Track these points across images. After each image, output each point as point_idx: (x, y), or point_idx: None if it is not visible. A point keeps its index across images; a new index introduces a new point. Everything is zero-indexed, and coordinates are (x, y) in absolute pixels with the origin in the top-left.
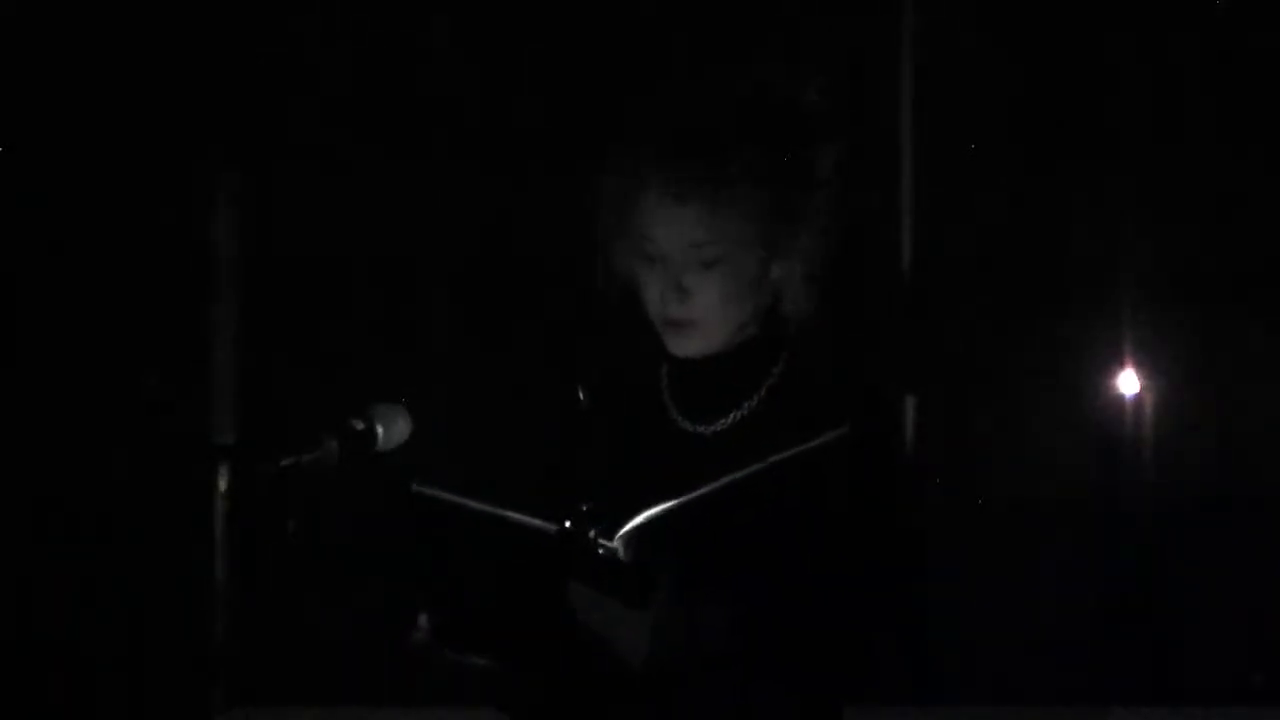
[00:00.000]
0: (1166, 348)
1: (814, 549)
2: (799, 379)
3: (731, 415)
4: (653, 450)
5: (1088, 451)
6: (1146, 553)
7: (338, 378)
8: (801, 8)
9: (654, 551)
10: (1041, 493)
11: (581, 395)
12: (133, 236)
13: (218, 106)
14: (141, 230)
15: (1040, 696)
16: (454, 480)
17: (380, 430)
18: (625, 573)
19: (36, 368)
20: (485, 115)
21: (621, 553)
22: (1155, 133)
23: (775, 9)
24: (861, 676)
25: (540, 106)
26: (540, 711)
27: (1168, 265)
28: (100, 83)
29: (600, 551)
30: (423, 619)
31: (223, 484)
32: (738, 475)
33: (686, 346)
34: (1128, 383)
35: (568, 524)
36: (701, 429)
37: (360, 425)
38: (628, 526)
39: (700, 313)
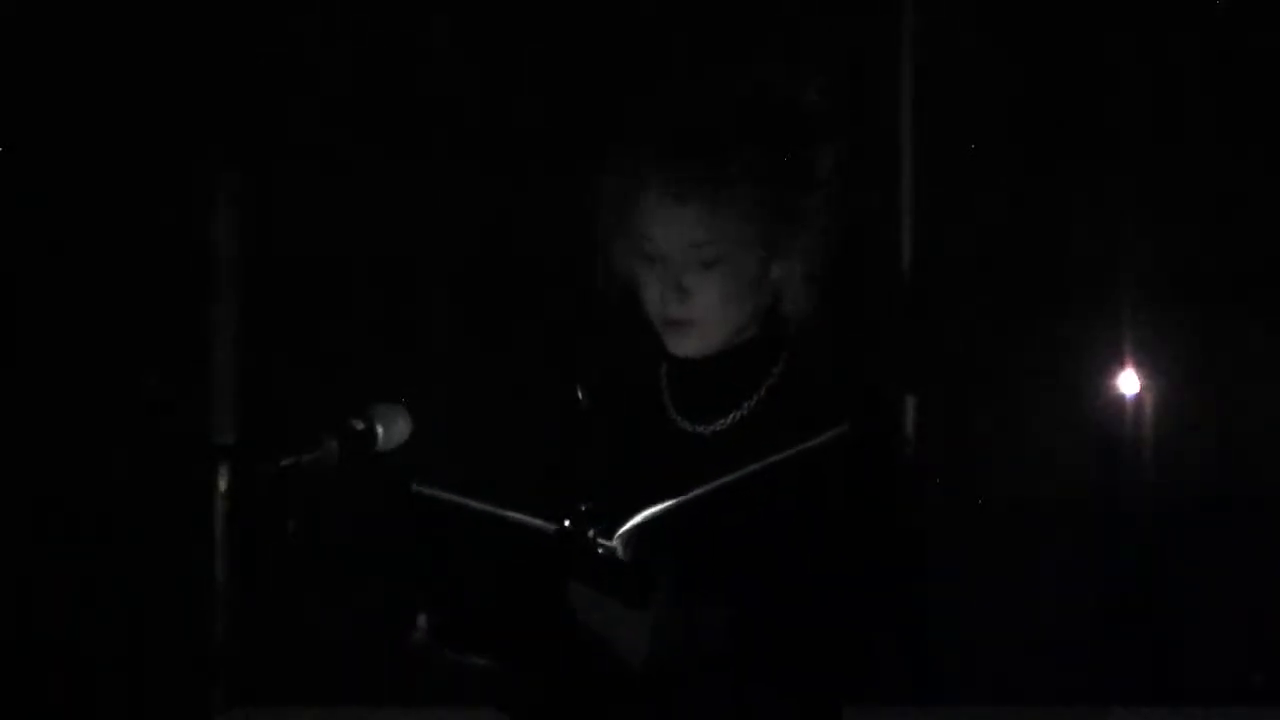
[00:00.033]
0: (1166, 348)
1: (813, 549)
2: (799, 379)
3: (731, 415)
4: (652, 450)
5: (1088, 451)
6: (1146, 553)
7: (338, 378)
8: (801, 8)
9: (653, 551)
10: (1041, 493)
11: (581, 395)
12: (133, 236)
13: (218, 106)
14: (141, 230)
15: (1040, 696)
16: (454, 480)
17: (380, 430)
18: (624, 572)
19: (37, 368)
20: (485, 115)
21: (620, 552)
22: (1155, 133)
23: (775, 9)
24: (861, 676)
25: (540, 106)
26: (540, 711)
27: (1168, 265)
28: (100, 83)
29: (599, 551)
30: (422, 619)
31: (223, 484)
32: (736, 475)
33: (686, 346)
34: (1128, 383)
35: (567, 523)
36: (701, 429)
37: (360, 425)
38: (627, 526)
39: (700, 313)
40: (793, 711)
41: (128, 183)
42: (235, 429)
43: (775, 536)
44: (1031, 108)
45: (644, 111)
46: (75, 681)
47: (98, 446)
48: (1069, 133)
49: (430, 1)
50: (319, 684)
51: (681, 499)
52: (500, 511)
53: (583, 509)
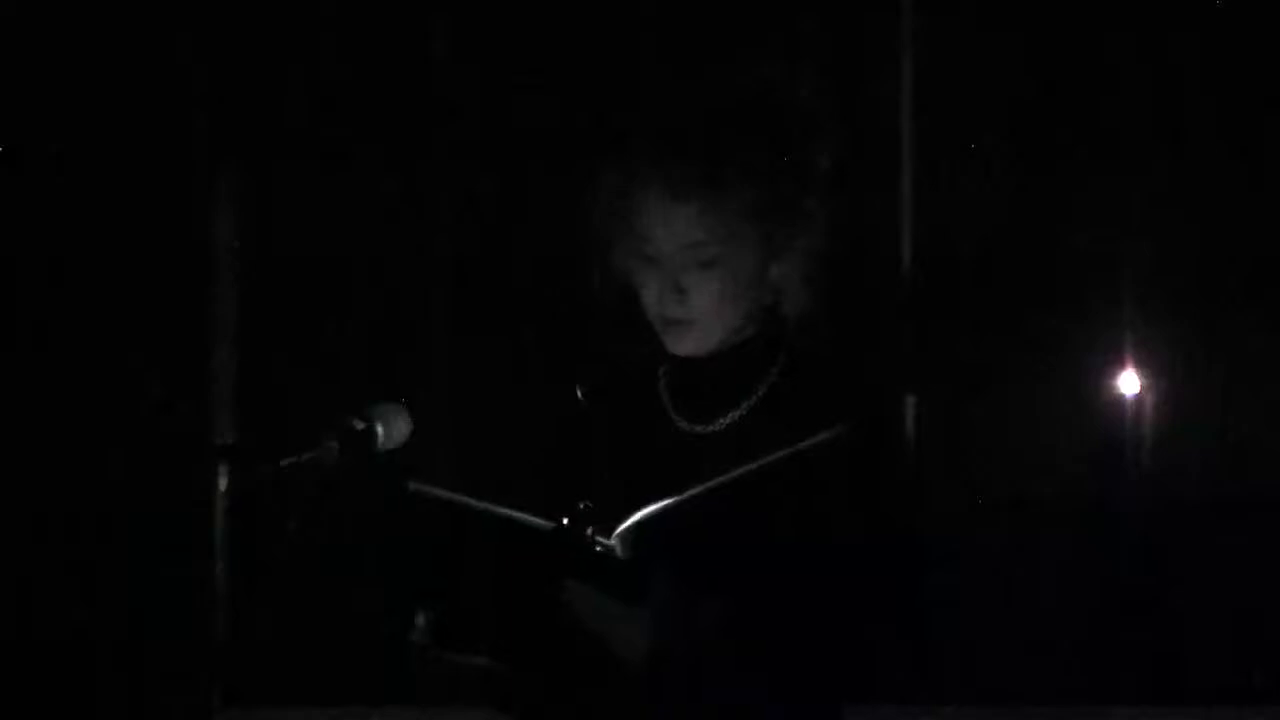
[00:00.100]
0: (1166, 348)
1: (811, 548)
2: (797, 379)
3: (730, 415)
4: (650, 449)
5: (1088, 451)
6: (1146, 553)
7: (338, 378)
8: (801, 8)
9: (651, 550)
10: (1041, 493)
11: (580, 394)
12: (133, 236)
13: (218, 106)
14: (142, 230)
15: (1040, 696)
16: (452, 479)
17: (380, 430)
18: (622, 571)
19: (37, 368)
20: (485, 115)
21: (619, 551)
22: (1155, 133)
23: (775, 9)
24: (859, 676)
25: (540, 106)
26: (539, 711)
27: (1168, 265)
28: (100, 83)
29: (597, 549)
30: (420, 618)
31: (223, 484)
32: (735, 473)
33: (685, 346)
34: (1128, 383)
35: (565, 522)
36: (699, 428)
37: (360, 425)
38: (625, 524)
39: (698, 312)
40: (791, 711)
41: (128, 183)
42: (235, 429)
43: (773, 536)
44: (1031, 108)
45: (642, 111)
46: (75, 681)
47: (98, 446)
48: (1069, 133)
49: (431, 1)
50: (319, 684)
51: (679, 497)
52: (498, 510)
53: (581, 507)
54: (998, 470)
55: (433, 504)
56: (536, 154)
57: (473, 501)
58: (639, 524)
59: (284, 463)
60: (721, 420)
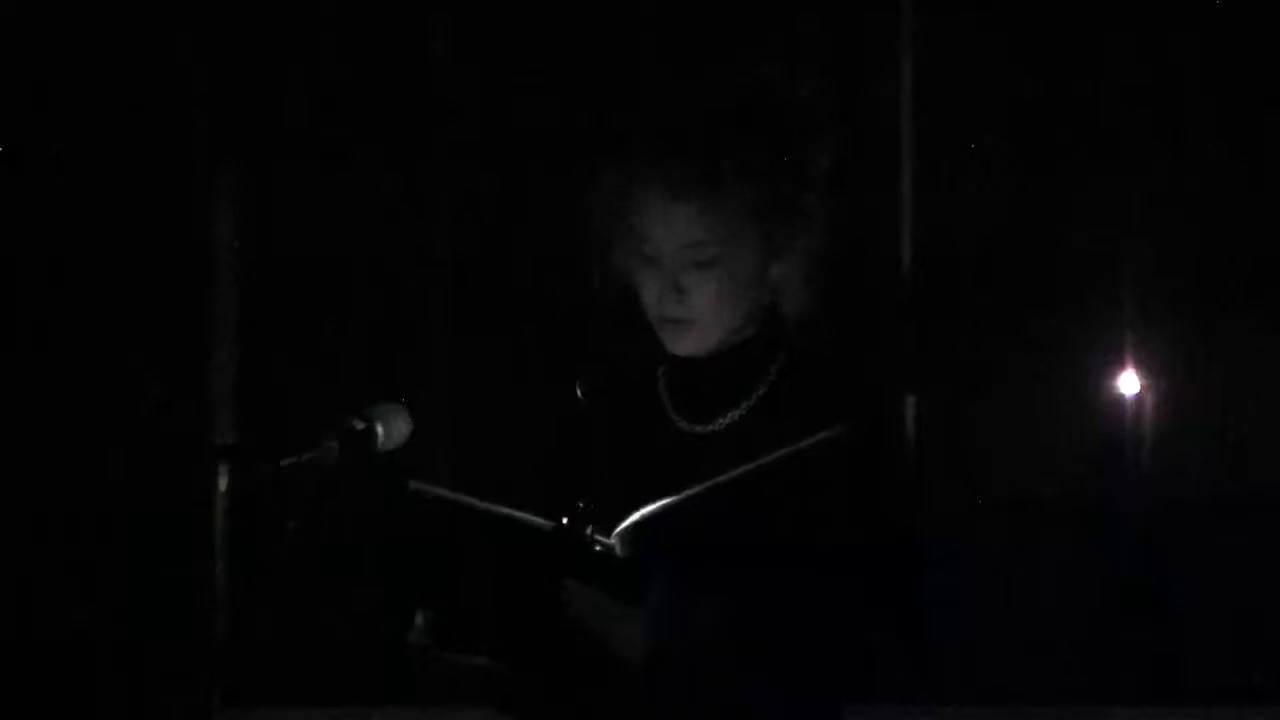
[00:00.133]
0: (1166, 348)
1: (811, 548)
2: (797, 379)
3: (729, 415)
4: (650, 449)
5: (1088, 451)
6: (1146, 553)
7: (338, 378)
8: (801, 8)
9: (650, 549)
10: (1041, 493)
11: (579, 393)
12: (133, 237)
13: (218, 106)
14: (142, 230)
15: (1040, 696)
16: (452, 479)
17: (380, 430)
18: (622, 570)
19: (37, 368)
20: (485, 115)
21: (618, 550)
22: (1155, 133)
23: (775, 9)
24: (858, 676)
25: (540, 106)
26: (539, 711)
27: (1168, 265)
28: (100, 83)
29: (597, 548)
30: (420, 617)
31: (223, 484)
32: (734, 473)
33: (684, 345)
34: (1128, 383)
35: (565, 521)
36: (699, 428)
37: (360, 425)
38: (624, 524)
39: (697, 312)
40: (790, 710)
41: (128, 183)
42: (235, 429)
43: (773, 536)
44: (1031, 108)
45: (642, 111)
46: (75, 681)
47: (98, 446)
48: (1069, 133)
49: (431, 1)
50: (319, 684)
51: (679, 497)
52: (498, 509)
53: (580, 506)
54: (998, 470)
55: (433, 504)
56: (536, 154)
57: (472, 501)
58: (638, 523)
59: (284, 463)
60: (721, 420)
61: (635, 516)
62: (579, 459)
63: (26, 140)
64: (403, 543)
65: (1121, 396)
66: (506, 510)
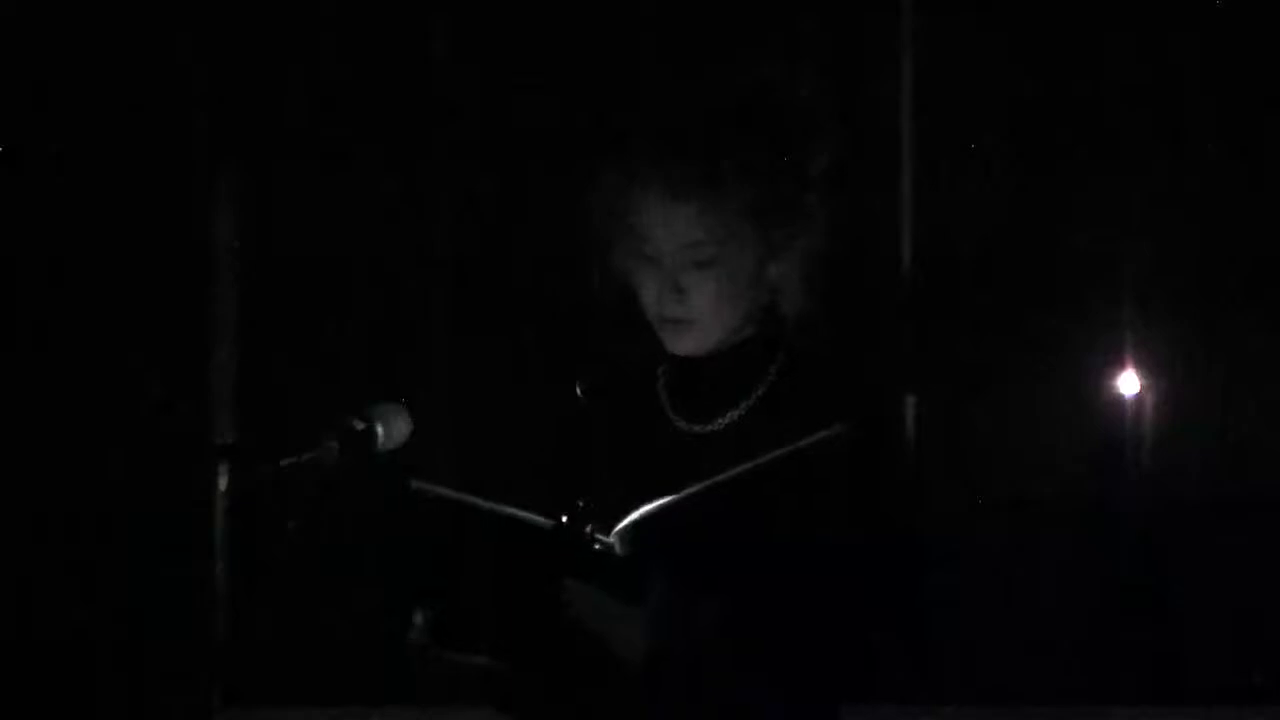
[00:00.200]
0: (1166, 348)
1: (811, 548)
2: (796, 379)
3: (728, 414)
4: (649, 448)
5: (1088, 451)
6: (1146, 553)
7: (338, 378)
8: (801, 8)
9: (651, 548)
10: (1041, 493)
11: (579, 393)
12: (133, 236)
13: (218, 106)
14: (141, 230)
15: (1040, 696)
16: (452, 479)
17: (380, 430)
18: (621, 569)
19: (37, 368)
20: (485, 115)
21: (618, 549)
22: (1155, 133)
23: (775, 9)
24: (857, 675)
25: (540, 106)
26: (539, 711)
27: (1168, 265)
28: (100, 83)
29: (596, 547)
30: (419, 616)
31: (223, 484)
32: (732, 472)
33: (684, 345)
34: (1128, 383)
35: (564, 520)
36: (698, 428)
37: (360, 425)
38: (624, 522)
39: (697, 312)
40: (789, 710)
41: (128, 183)
42: (235, 429)
43: (772, 535)
44: (1031, 108)
45: (642, 111)
46: (75, 681)
47: (98, 446)
48: (1069, 133)
49: (431, 1)
50: (319, 684)
51: (678, 496)
52: (498, 507)
53: (580, 505)
54: (998, 470)
55: (433, 503)
56: (536, 154)
57: (472, 500)
58: (638, 522)
59: (284, 463)
60: (720, 420)
61: (635, 515)
62: (579, 458)
63: (26, 140)
64: (403, 543)
65: (1121, 396)
66: (506, 509)
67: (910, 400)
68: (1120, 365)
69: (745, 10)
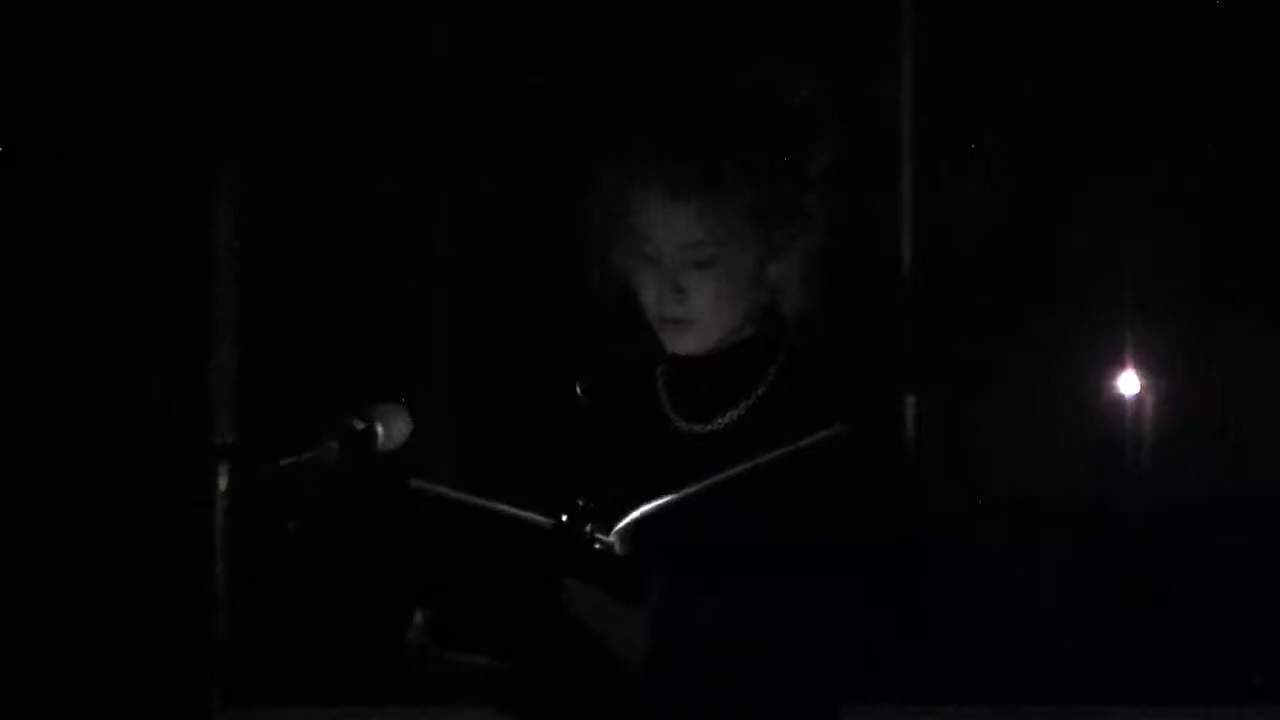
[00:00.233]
0: (1166, 348)
1: (811, 547)
2: (796, 379)
3: (728, 414)
4: (649, 448)
5: (1088, 451)
6: (1146, 553)
7: (338, 378)
8: (801, 8)
9: (651, 548)
10: (1041, 493)
11: (579, 392)
12: (133, 236)
13: (218, 105)
14: (141, 230)
15: (1040, 696)
16: (452, 478)
17: (380, 430)
18: (621, 568)
19: (37, 368)
20: (485, 115)
21: (618, 548)
22: (1155, 133)
23: (775, 9)
24: (859, 676)
25: (540, 106)
26: (539, 711)
27: (1168, 265)
28: (100, 83)
29: (596, 546)
30: (419, 615)
31: (223, 484)
32: (732, 471)
33: (684, 345)
34: (1128, 383)
35: (564, 519)
36: (698, 428)
37: (360, 425)
38: (624, 522)
39: (697, 312)
40: (789, 710)
41: (128, 183)
42: (235, 429)
43: (772, 535)
44: (1031, 108)
45: (643, 111)
46: (75, 681)
47: (98, 446)
48: (1069, 133)
49: (431, 1)
50: (319, 684)
51: (677, 495)
52: (497, 506)
53: (580, 505)
54: (998, 470)
55: (433, 503)
56: (536, 154)
57: (472, 499)
58: (638, 522)
59: (284, 463)
60: (720, 420)
61: (634, 515)
62: (578, 458)
63: (26, 140)
64: (403, 542)
65: (1121, 396)
66: (506, 508)
67: (910, 400)
68: (1120, 365)
69: (745, 10)
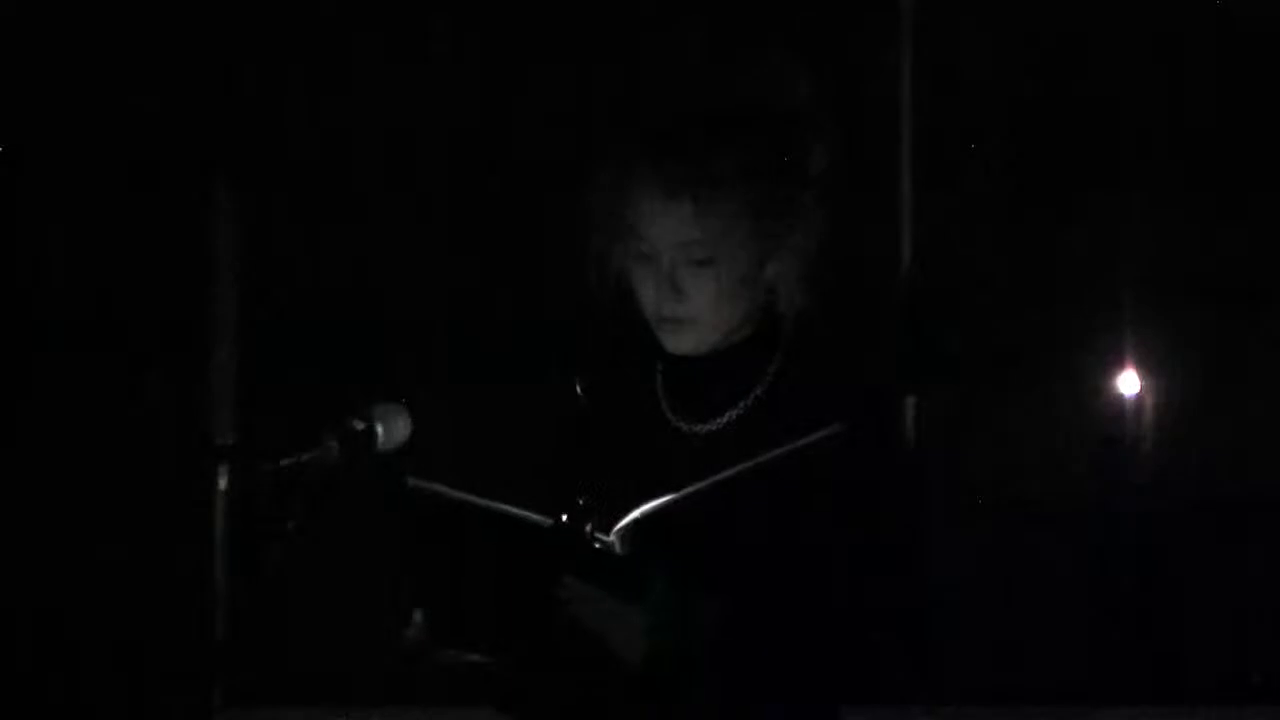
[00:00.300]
0: (1166, 347)
1: (810, 547)
2: (794, 378)
3: (726, 414)
4: (648, 448)
5: (1088, 451)
6: (1146, 553)
7: (338, 378)
8: (801, 8)
9: (650, 547)
10: (1041, 493)
11: (579, 392)
12: (133, 236)
13: (218, 105)
14: (141, 230)
15: (1040, 696)
16: (452, 478)
17: (380, 430)
18: (621, 568)
19: (37, 367)
20: (485, 114)
21: (617, 547)
22: (1155, 132)
23: (775, 9)
24: (859, 676)
25: (540, 105)
26: (539, 711)
27: (1168, 265)
28: (100, 82)
29: (596, 546)
30: (418, 615)
31: (223, 484)
32: (731, 471)
33: (681, 344)
34: (1128, 383)
35: (564, 518)
36: (697, 428)
37: (360, 425)
38: (624, 521)
39: (694, 311)
40: (789, 710)
41: (128, 182)
42: (235, 429)
43: (771, 534)
44: (1031, 108)
45: (640, 110)
46: (75, 681)
47: (97, 447)
48: (1069, 132)
49: (430, 5)
50: (319, 684)
51: (677, 495)
52: (497, 506)
53: (580, 504)
54: (998, 470)
55: (432, 502)
56: (536, 153)
57: (472, 498)
58: (638, 522)
59: (284, 463)
60: (718, 420)
61: (634, 514)
62: (578, 458)
63: (26, 140)
64: (403, 542)
65: (1121, 396)
66: (506, 508)
67: (910, 400)
68: (1120, 365)
69: (745, 10)
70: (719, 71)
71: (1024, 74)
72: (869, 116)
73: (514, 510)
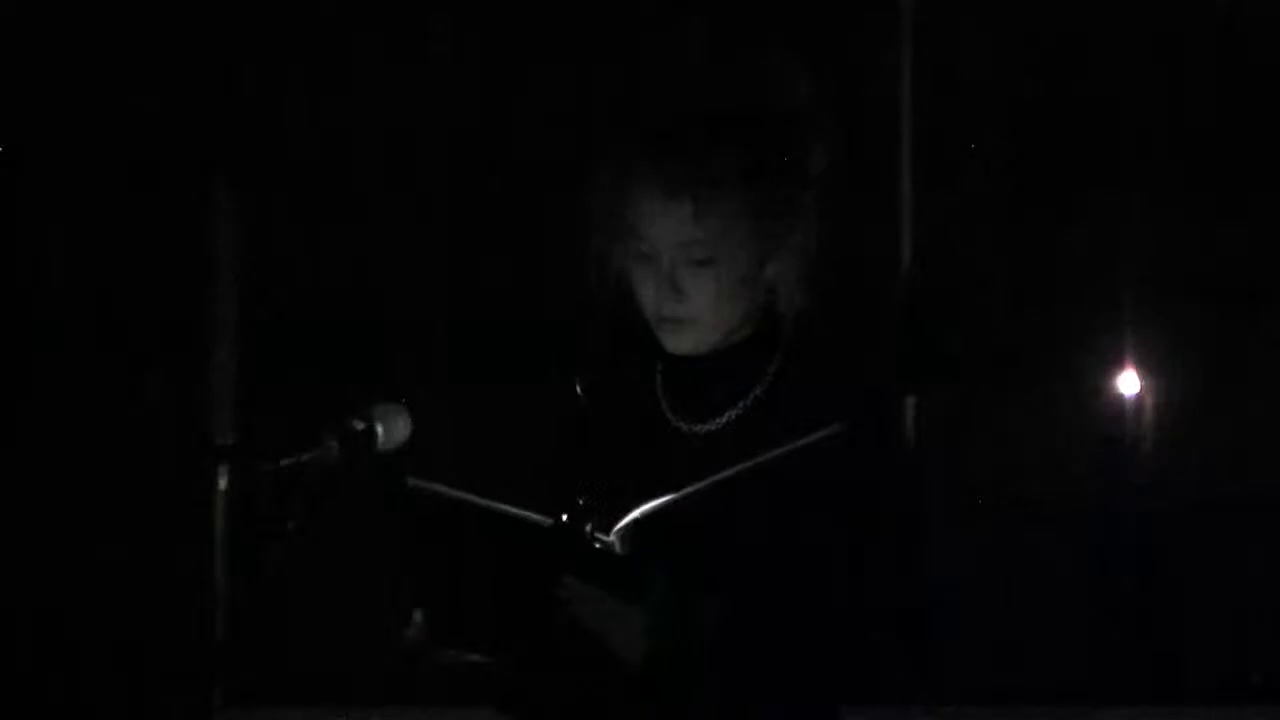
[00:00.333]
0: (1166, 347)
1: (810, 547)
2: (794, 378)
3: (726, 414)
4: (648, 448)
5: (1088, 451)
6: (1146, 553)
7: (338, 378)
8: (801, 8)
9: (650, 547)
10: (1041, 493)
11: (579, 392)
12: (133, 236)
13: (218, 105)
14: (141, 230)
15: (1040, 696)
16: (452, 478)
17: (380, 430)
18: (621, 567)
19: (37, 367)
20: (485, 113)
21: (617, 547)
22: (1155, 132)
23: (775, 8)
24: (859, 676)
25: (539, 105)
26: (539, 711)
27: (1168, 265)
28: (100, 82)
29: (596, 546)
30: (418, 614)
31: (223, 484)
32: (730, 471)
33: (681, 344)
34: (1128, 383)
35: (564, 518)
36: (697, 428)
37: (360, 425)
38: (624, 521)
39: (694, 311)
40: (789, 710)
41: (128, 182)
42: (235, 429)
43: (771, 534)
44: (1031, 108)
45: (640, 109)
46: (75, 681)
47: (98, 446)
48: (1069, 132)
49: (430, 5)
50: (319, 684)
51: (677, 495)
52: (497, 505)
53: (580, 504)
54: (998, 470)
55: (432, 501)
56: (536, 153)
57: (472, 498)
58: (638, 522)
59: (284, 463)
60: (718, 420)
61: (634, 514)
62: (578, 458)
63: (26, 140)
64: (402, 540)
65: (1121, 396)
66: (505, 508)
67: (910, 400)
68: (1120, 365)
69: (745, 10)
70: (719, 71)
71: (1024, 74)
72: (869, 116)
73: (514, 510)
